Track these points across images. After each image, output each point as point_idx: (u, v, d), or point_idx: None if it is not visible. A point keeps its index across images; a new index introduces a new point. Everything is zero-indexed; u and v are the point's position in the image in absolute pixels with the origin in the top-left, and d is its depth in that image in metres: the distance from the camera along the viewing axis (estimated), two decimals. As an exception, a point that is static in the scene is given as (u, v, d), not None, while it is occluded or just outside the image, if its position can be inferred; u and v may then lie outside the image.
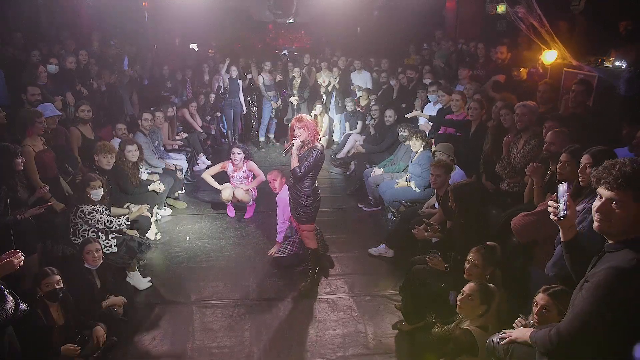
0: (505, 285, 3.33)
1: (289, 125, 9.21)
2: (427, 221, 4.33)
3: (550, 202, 2.31)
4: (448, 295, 3.84)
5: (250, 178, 6.15)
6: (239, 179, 6.10)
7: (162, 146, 6.84)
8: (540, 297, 2.63)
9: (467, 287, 3.08)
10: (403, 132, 6.09)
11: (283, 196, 4.97)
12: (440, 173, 4.43)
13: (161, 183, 5.59)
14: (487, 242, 3.34)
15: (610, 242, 1.96)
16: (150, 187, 5.50)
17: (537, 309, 2.62)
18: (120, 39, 8.85)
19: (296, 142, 4.17)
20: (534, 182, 3.75)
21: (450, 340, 3.06)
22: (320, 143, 4.34)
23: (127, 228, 4.48)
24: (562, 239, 2.31)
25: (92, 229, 4.22)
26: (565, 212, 2.23)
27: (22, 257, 2.77)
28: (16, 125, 4.57)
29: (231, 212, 6.17)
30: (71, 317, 3.39)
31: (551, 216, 2.29)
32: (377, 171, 6.28)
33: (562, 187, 2.27)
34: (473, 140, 5.28)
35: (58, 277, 3.29)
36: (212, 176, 6.07)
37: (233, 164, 6.04)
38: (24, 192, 4.09)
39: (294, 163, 4.18)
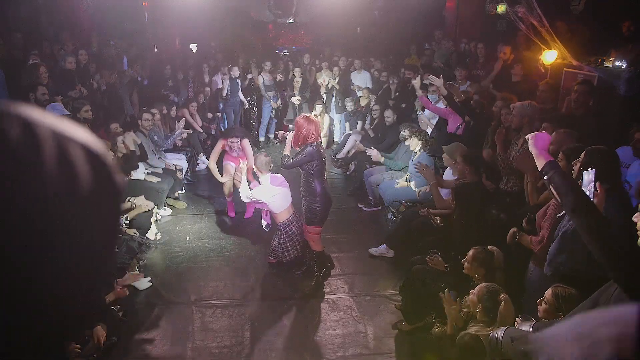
0: (506, 285, 3.33)
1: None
2: (428, 218, 4.39)
3: None
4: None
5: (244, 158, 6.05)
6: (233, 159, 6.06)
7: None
8: (548, 293, 2.66)
9: (468, 256, 3.27)
10: (404, 132, 6.09)
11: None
12: (460, 161, 4.29)
13: (147, 202, 5.28)
14: (489, 247, 3.34)
15: None
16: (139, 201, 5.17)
17: (547, 306, 2.67)
18: (120, 39, 8.85)
19: (289, 135, 4.37)
20: (530, 180, 3.75)
21: (455, 344, 3.06)
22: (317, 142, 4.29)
23: (127, 227, 4.46)
24: None
25: None
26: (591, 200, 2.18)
27: None
28: None
29: (231, 212, 6.18)
30: None
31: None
32: (375, 152, 6.23)
33: (588, 176, 2.22)
34: (472, 138, 5.26)
35: None
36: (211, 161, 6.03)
37: (229, 150, 6.02)
38: None
39: (285, 151, 4.40)
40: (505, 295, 2.95)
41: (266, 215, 5.65)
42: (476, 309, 3.00)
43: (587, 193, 2.19)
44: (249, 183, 4.99)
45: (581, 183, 2.25)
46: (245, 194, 4.82)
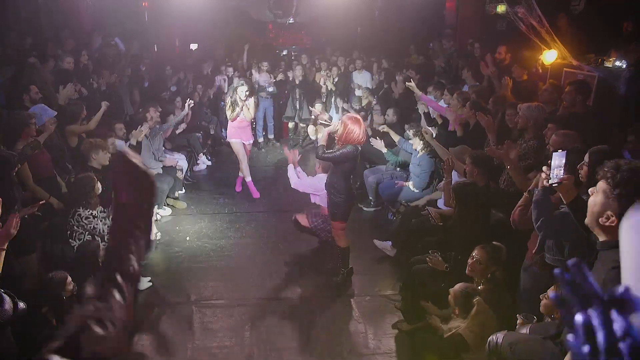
0: (506, 285, 3.33)
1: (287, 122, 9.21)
2: (430, 212, 4.41)
3: (544, 168, 2.43)
4: (448, 295, 3.84)
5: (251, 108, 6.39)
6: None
7: (163, 145, 6.80)
8: (550, 289, 2.69)
9: (476, 252, 3.25)
10: (409, 132, 6.05)
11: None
12: (469, 163, 4.25)
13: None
14: (494, 242, 3.35)
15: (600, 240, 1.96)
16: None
17: (548, 301, 2.70)
18: (120, 38, 8.84)
19: (332, 126, 4.36)
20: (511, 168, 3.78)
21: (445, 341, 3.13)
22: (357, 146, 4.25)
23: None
24: (564, 201, 2.40)
25: (88, 233, 4.19)
26: (556, 179, 2.32)
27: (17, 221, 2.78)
28: (9, 129, 4.46)
29: (239, 186, 6.78)
30: None
31: (544, 182, 2.42)
32: (378, 143, 6.19)
33: (556, 159, 2.33)
34: (472, 139, 5.26)
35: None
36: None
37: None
38: (17, 191, 4.06)
39: (321, 141, 4.37)
40: (479, 298, 3.04)
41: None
42: (455, 308, 3.15)
43: (556, 175, 2.28)
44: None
45: (550, 163, 2.33)
46: (295, 181, 4.84)
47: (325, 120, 4.62)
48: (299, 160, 4.95)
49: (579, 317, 0.62)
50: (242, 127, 6.48)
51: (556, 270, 0.67)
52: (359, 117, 4.31)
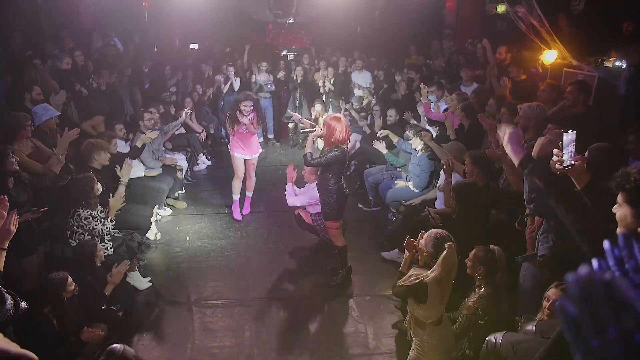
0: (508, 285, 3.33)
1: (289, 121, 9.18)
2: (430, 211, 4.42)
3: (555, 151, 2.21)
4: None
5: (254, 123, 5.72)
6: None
7: (162, 145, 6.80)
8: (552, 292, 2.68)
9: (471, 254, 3.24)
10: (408, 132, 6.04)
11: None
12: (468, 163, 4.26)
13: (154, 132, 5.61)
14: (491, 246, 3.34)
15: None
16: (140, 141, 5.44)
17: (549, 303, 2.67)
18: (120, 38, 8.84)
19: (317, 131, 4.37)
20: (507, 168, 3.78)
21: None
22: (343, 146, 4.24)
23: (113, 228, 4.38)
24: (577, 187, 2.21)
25: (88, 233, 4.18)
26: (571, 161, 2.14)
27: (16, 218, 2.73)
28: (8, 129, 4.45)
29: (237, 214, 5.99)
30: (75, 318, 3.39)
31: (557, 166, 2.18)
32: (379, 145, 6.18)
33: (568, 137, 2.14)
34: (467, 141, 5.27)
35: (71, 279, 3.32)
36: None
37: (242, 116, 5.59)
38: (22, 193, 4.05)
39: (307, 148, 4.38)
40: (450, 243, 2.84)
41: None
42: (423, 253, 2.96)
43: (568, 154, 2.15)
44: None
45: (561, 144, 2.17)
46: (292, 199, 4.86)
47: (310, 126, 4.61)
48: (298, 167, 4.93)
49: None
50: (245, 138, 5.72)
51: (606, 244, 0.66)
52: (339, 115, 4.40)
